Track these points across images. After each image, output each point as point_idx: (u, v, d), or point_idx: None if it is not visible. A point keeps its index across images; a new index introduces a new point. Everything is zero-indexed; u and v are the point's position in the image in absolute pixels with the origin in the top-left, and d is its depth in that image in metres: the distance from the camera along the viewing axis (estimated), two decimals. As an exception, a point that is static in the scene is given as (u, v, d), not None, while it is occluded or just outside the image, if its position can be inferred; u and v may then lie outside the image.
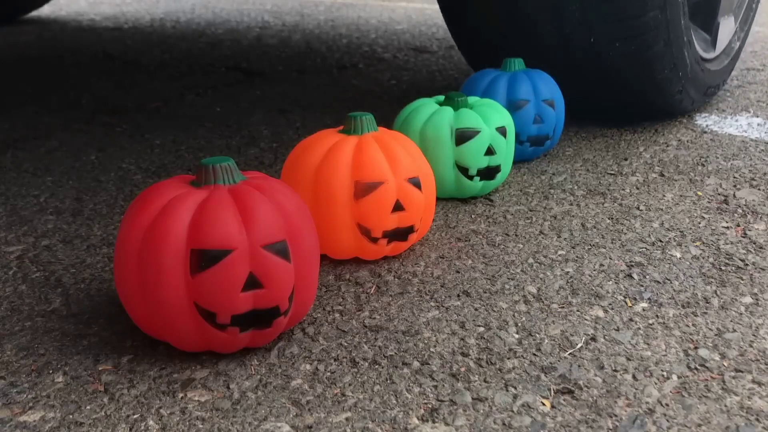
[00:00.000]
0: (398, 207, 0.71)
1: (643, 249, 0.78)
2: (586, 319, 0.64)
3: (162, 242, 0.53)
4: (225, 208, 0.54)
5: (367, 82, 1.65)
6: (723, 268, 0.73)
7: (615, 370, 0.57)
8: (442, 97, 0.92)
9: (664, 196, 0.92)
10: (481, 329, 0.63)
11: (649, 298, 0.68)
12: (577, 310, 0.66)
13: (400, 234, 0.73)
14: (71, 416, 0.52)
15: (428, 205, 0.74)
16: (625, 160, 1.06)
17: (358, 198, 0.70)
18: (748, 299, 0.67)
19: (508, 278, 0.72)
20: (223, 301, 0.53)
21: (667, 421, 0.51)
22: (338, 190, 0.70)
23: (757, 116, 1.27)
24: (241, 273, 0.53)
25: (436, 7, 2.77)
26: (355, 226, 0.71)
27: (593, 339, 0.61)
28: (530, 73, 1.02)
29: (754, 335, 0.61)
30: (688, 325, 0.63)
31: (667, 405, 0.53)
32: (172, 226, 0.53)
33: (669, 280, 0.71)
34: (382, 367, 0.58)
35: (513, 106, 0.99)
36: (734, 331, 0.62)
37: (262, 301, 0.54)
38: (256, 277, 0.53)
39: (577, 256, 0.76)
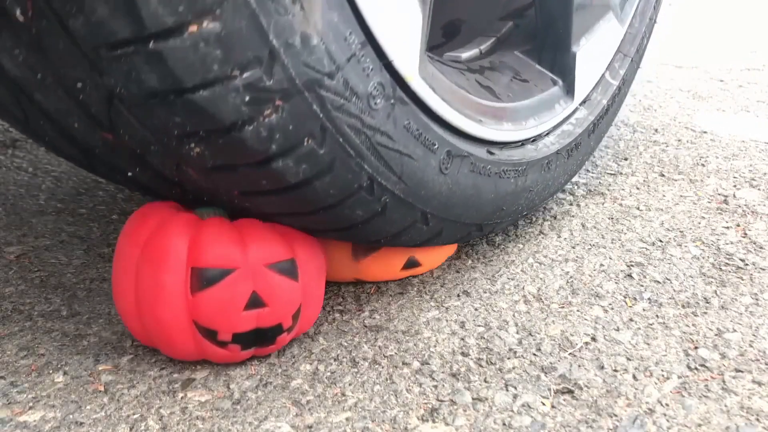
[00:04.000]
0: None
1: (643, 249, 0.78)
2: (586, 319, 0.64)
3: (161, 259, 0.51)
4: (227, 226, 0.53)
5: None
6: (723, 268, 0.73)
7: (615, 370, 0.57)
8: None
9: (664, 196, 0.92)
10: (481, 329, 0.63)
11: (649, 298, 0.68)
12: (577, 310, 0.66)
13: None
14: (71, 416, 0.52)
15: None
16: (625, 160, 1.06)
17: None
18: (748, 299, 0.67)
19: (508, 278, 0.72)
20: (225, 320, 0.52)
21: (667, 421, 0.51)
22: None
23: (757, 116, 1.27)
24: (243, 292, 0.51)
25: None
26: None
27: (593, 339, 0.61)
28: None
29: (754, 335, 0.61)
30: (688, 325, 0.63)
31: (667, 405, 0.53)
32: (171, 243, 0.51)
33: (669, 280, 0.71)
34: (382, 367, 0.58)
35: None
36: (734, 331, 0.62)
37: (265, 320, 0.53)
38: (259, 296, 0.52)
39: (577, 256, 0.76)
